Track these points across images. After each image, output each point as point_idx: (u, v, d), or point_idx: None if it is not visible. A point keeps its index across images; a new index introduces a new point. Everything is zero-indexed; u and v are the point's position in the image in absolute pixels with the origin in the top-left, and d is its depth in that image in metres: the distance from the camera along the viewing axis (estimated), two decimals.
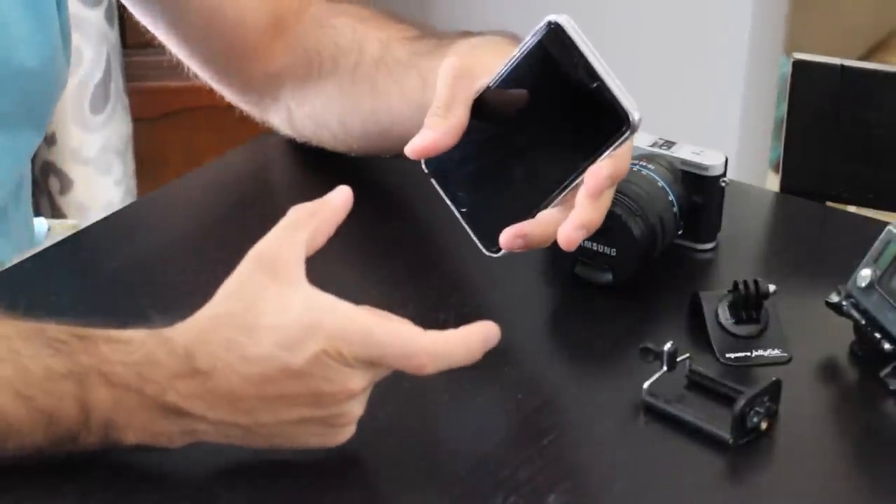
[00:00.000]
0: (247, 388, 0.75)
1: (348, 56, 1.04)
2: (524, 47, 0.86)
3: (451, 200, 0.91)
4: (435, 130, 0.88)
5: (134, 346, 0.76)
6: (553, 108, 0.87)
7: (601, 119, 0.84)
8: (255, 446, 0.78)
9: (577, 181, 0.85)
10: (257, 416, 0.76)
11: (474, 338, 0.78)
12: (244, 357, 0.75)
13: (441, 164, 0.90)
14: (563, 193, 0.86)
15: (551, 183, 0.86)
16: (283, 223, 0.80)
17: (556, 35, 0.84)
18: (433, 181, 0.91)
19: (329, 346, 0.75)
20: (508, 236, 0.86)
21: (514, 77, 0.87)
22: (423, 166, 0.91)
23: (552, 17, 0.84)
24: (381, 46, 1.03)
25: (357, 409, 0.78)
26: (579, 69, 0.84)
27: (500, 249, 0.88)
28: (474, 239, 0.90)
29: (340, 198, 0.81)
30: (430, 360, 0.77)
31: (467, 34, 1.00)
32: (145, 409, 0.76)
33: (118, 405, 0.75)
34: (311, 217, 0.80)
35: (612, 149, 0.84)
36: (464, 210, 0.90)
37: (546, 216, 0.86)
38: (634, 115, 0.83)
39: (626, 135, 0.83)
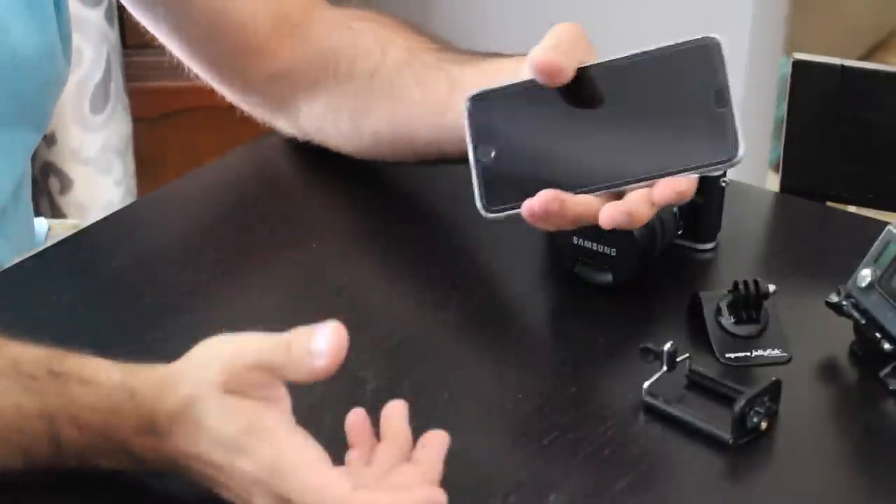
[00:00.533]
0: (190, 458, 0.76)
1: (368, 58, 1.04)
2: (663, 47, 0.85)
3: (474, 145, 0.87)
4: (559, 58, 0.85)
5: (103, 393, 0.77)
6: (658, 110, 0.85)
7: (704, 141, 0.83)
8: None
9: (642, 183, 0.83)
10: (198, 480, 0.76)
11: None
12: (195, 440, 0.75)
13: (489, 106, 0.88)
14: (621, 188, 0.83)
15: (615, 174, 0.84)
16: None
17: (706, 49, 0.83)
18: (466, 114, 0.88)
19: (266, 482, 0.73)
20: (547, 196, 0.83)
21: (632, 66, 0.86)
22: (469, 98, 0.88)
23: (714, 34, 0.83)
24: (406, 52, 1.03)
25: None
26: (711, 89, 0.83)
27: (499, 211, 0.86)
28: (476, 192, 0.87)
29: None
30: None
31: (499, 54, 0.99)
32: (112, 452, 0.77)
33: (87, 445, 0.77)
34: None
35: (702, 171, 0.82)
36: (483, 160, 0.87)
37: (586, 197, 0.84)
38: (741, 152, 0.82)
39: (723, 165, 0.82)
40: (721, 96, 0.83)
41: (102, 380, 0.77)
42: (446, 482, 0.80)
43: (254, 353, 0.74)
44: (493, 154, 0.87)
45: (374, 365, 0.87)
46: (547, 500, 0.78)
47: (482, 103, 0.88)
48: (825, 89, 1.13)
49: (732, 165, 0.82)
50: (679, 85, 0.85)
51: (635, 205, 0.82)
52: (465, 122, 0.88)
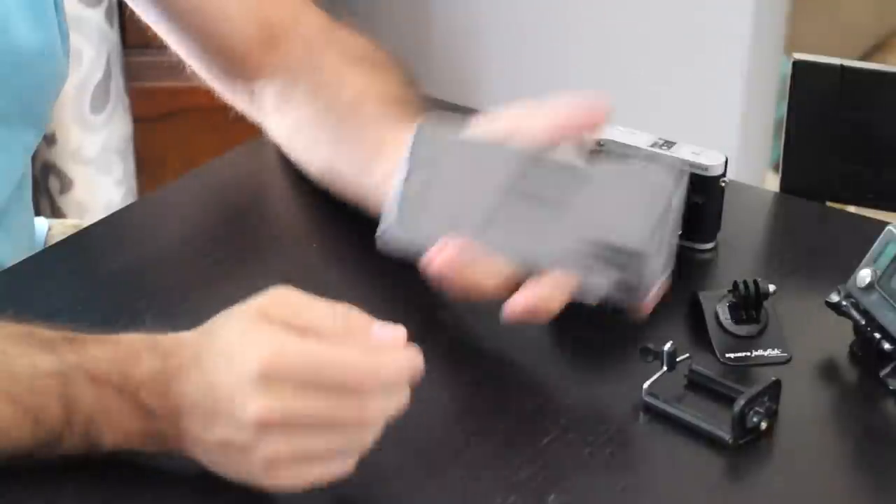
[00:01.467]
0: (194, 395, 0.76)
1: (322, 96, 1.05)
2: (627, 164, 0.86)
3: (408, 169, 0.88)
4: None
5: (122, 346, 0.78)
6: (600, 209, 0.86)
7: (618, 229, 0.84)
8: (207, 466, 0.78)
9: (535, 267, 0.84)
10: (197, 429, 0.77)
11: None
12: (198, 364, 0.77)
13: (435, 142, 0.88)
14: (522, 266, 0.84)
15: (517, 251, 0.85)
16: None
17: (677, 176, 0.84)
18: (412, 139, 0.88)
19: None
20: (448, 246, 0.85)
21: (580, 176, 0.86)
22: (421, 125, 0.88)
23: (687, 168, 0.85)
24: (355, 97, 1.02)
25: (267, 441, 0.76)
26: (661, 208, 0.84)
27: (397, 244, 0.87)
28: (389, 212, 0.88)
29: None
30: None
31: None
32: (122, 408, 0.77)
33: (99, 402, 0.77)
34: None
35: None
36: (407, 191, 0.87)
37: (490, 262, 0.85)
38: (643, 242, 0.82)
39: (625, 255, 0.83)
40: (652, 206, 0.84)
41: (122, 338, 0.79)
42: (447, 482, 0.80)
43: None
44: (418, 189, 0.87)
45: None
46: (547, 500, 0.78)
47: (429, 136, 0.88)
48: (825, 89, 1.13)
49: (631, 254, 0.83)
50: (616, 203, 0.85)
51: (543, 301, 0.84)
52: (408, 147, 0.88)
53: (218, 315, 0.79)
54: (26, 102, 1.05)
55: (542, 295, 0.84)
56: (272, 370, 0.74)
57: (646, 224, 0.82)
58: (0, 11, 1.00)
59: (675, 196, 0.84)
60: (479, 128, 0.90)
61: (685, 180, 0.84)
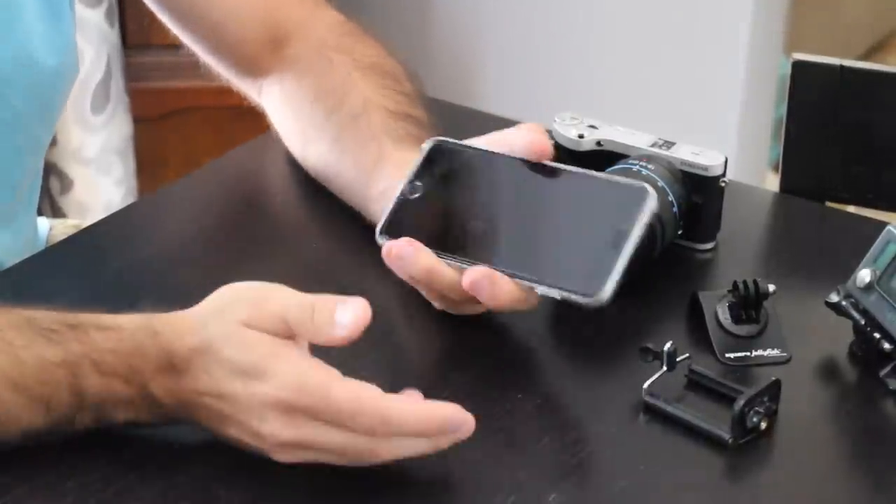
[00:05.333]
0: (206, 394, 0.78)
1: (327, 99, 1.05)
2: (608, 176, 0.87)
3: (411, 178, 0.90)
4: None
5: (124, 335, 0.79)
6: (567, 225, 0.87)
7: (581, 269, 0.83)
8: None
9: (514, 279, 0.84)
10: (208, 420, 0.79)
11: (435, 415, 0.78)
12: (212, 373, 0.78)
13: (444, 157, 0.89)
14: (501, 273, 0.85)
15: (501, 259, 0.85)
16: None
17: (638, 194, 0.84)
18: (423, 151, 0.90)
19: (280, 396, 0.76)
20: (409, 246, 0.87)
21: (571, 179, 0.87)
22: (435, 140, 0.90)
23: (649, 187, 0.84)
24: (361, 106, 1.03)
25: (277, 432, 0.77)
26: (616, 228, 0.83)
27: (388, 239, 0.89)
28: (384, 217, 0.90)
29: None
30: (379, 424, 0.76)
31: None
32: (131, 399, 0.79)
33: (108, 391, 0.78)
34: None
35: (564, 295, 0.83)
36: (409, 196, 0.89)
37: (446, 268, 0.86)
38: (602, 296, 0.81)
39: (583, 298, 0.82)
40: (620, 238, 0.83)
41: (123, 323, 0.80)
42: (447, 483, 0.80)
43: (279, 304, 0.78)
44: (419, 195, 0.89)
45: (374, 365, 0.87)
46: (547, 500, 0.78)
47: (442, 150, 0.90)
48: (825, 89, 1.13)
49: (590, 304, 0.82)
50: (597, 213, 0.86)
51: (501, 288, 0.84)
52: (419, 158, 0.90)
53: (214, 301, 0.81)
54: (43, 102, 1.06)
55: (497, 289, 0.84)
56: (291, 403, 0.76)
57: (611, 274, 0.82)
58: (15, 11, 1.00)
59: (641, 224, 0.83)
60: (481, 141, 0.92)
61: (650, 205, 0.84)
